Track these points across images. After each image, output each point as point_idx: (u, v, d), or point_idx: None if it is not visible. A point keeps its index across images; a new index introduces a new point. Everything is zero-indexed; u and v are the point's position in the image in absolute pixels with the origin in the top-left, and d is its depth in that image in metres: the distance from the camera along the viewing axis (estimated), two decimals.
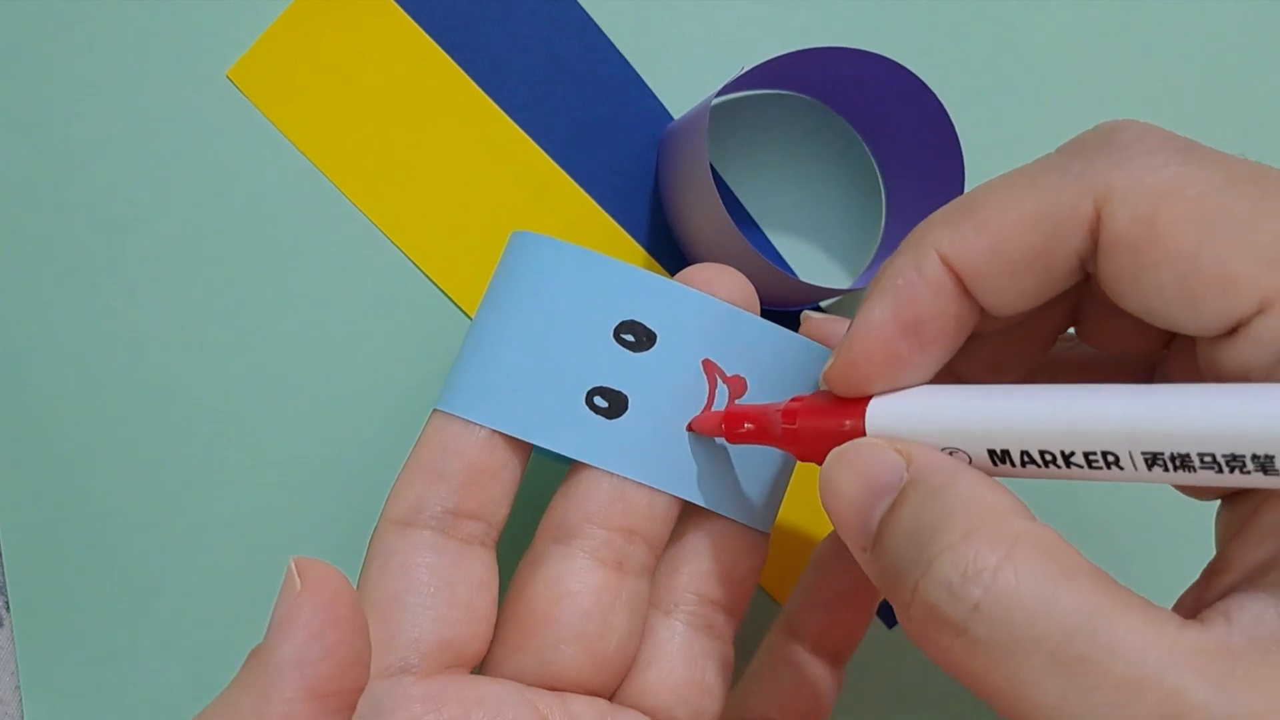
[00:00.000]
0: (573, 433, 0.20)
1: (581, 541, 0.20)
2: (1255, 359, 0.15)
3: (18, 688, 0.26)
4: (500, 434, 0.20)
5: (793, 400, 0.19)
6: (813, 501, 0.29)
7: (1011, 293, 0.17)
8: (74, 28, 0.27)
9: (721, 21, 0.29)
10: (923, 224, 0.18)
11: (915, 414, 0.17)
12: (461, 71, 0.28)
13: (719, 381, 0.21)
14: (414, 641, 0.18)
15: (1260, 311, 0.15)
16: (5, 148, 0.26)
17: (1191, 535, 0.18)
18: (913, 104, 0.27)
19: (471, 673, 0.19)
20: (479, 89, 0.28)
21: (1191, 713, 0.13)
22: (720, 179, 0.29)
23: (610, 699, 0.20)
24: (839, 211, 0.30)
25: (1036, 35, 0.31)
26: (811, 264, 0.29)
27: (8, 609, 0.26)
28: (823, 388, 0.19)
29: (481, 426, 0.20)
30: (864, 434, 0.17)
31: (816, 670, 0.22)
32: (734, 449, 0.21)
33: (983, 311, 0.18)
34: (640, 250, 0.29)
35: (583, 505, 0.20)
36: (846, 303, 0.29)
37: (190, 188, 0.27)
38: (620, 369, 0.20)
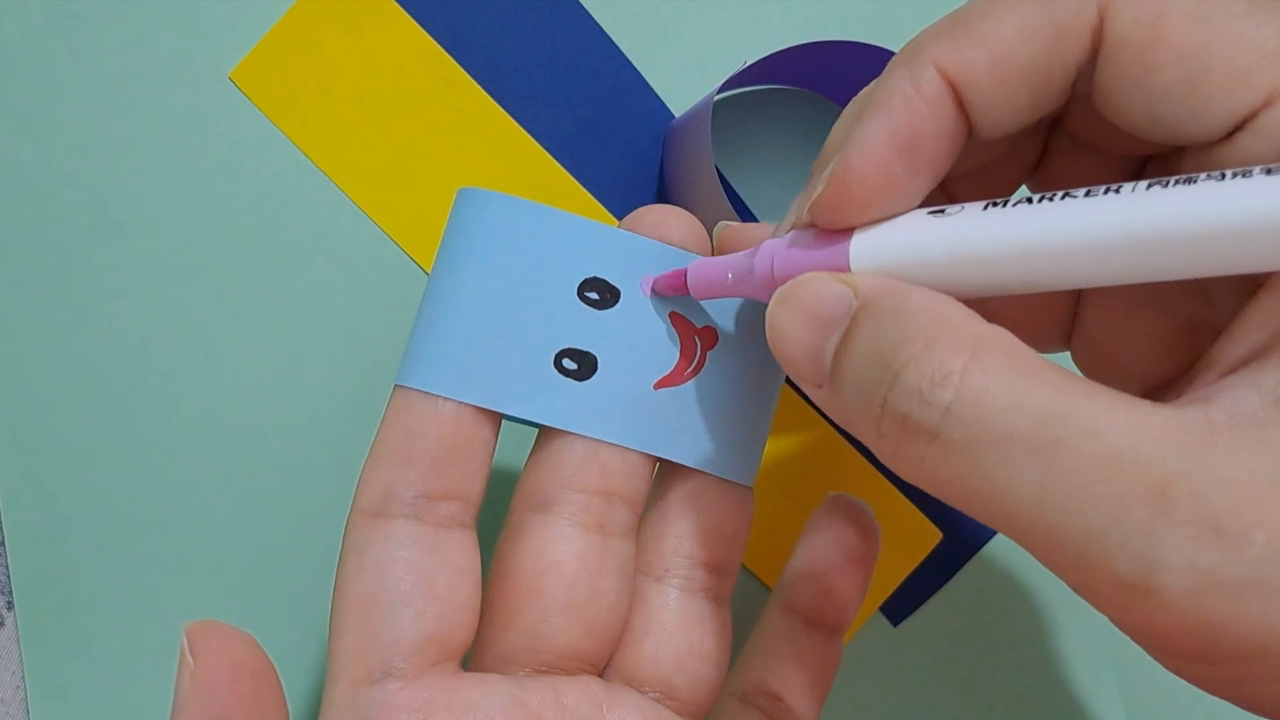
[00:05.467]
0: (544, 399, 0.19)
1: (560, 509, 0.19)
2: (1261, 153, 0.15)
3: (19, 687, 0.25)
4: (468, 405, 0.19)
5: (766, 243, 0.18)
6: (799, 480, 0.28)
7: (1008, 108, 0.17)
8: (76, 29, 0.27)
9: (723, 19, 0.29)
10: (914, 41, 0.17)
11: (907, 244, 0.16)
12: (464, 72, 0.28)
13: (694, 336, 0.20)
14: (394, 642, 0.18)
15: (1268, 104, 0.15)
16: (7, 148, 0.26)
17: None
18: None
19: (464, 657, 0.19)
20: (482, 90, 0.28)
21: (1171, 481, 0.13)
22: (722, 175, 0.29)
23: (605, 670, 0.20)
24: None
25: None
26: None
27: (9, 608, 0.26)
28: (799, 223, 0.18)
29: (447, 400, 0.19)
30: (849, 270, 0.17)
31: (815, 642, 0.22)
32: (709, 400, 0.20)
33: (968, 135, 0.17)
34: None
35: (557, 471, 0.19)
36: None
37: (192, 189, 0.27)
38: (587, 329, 0.19)
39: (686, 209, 0.27)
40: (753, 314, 0.20)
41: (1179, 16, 0.15)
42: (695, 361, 0.20)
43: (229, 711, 0.15)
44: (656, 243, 0.20)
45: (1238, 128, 0.15)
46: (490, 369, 0.19)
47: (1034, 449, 0.14)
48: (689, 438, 0.20)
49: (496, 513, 0.20)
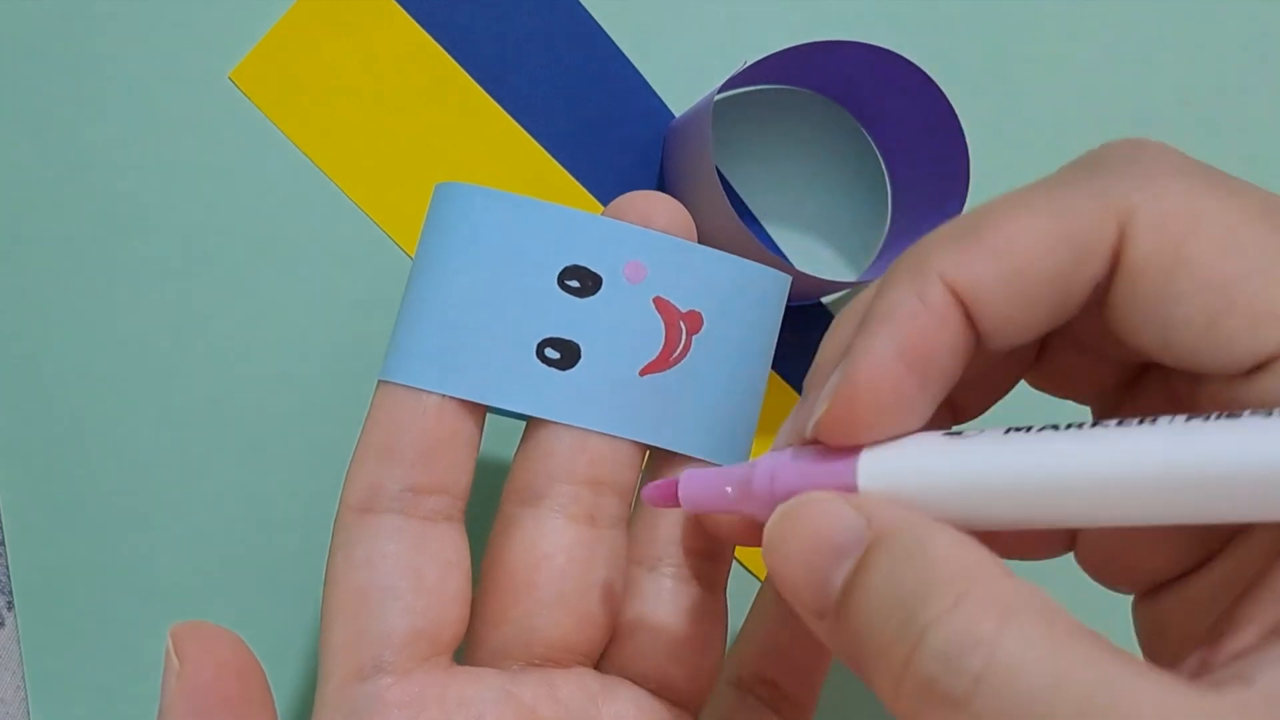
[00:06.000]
0: (528, 389, 0.19)
1: (549, 501, 0.19)
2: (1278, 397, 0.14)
3: (19, 687, 0.25)
4: (452, 399, 0.19)
5: (764, 457, 0.17)
6: None
7: (1020, 323, 0.16)
8: (76, 30, 0.27)
9: (723, 19, 0.29)
10: (921, 246, 0.16)
11: (922, 468, 0.15)
12: (464, 72, 0.28)
13: (678, 320, 0.20)
14: (385, 637, 0.18)
15: None
16: (9, 149, 0.26)
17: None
18: (917, 98, 0.27)
19: (457, 651, 0.19)
20: (482, 90, 0.28)
21: None
22: (722, 175, 0.29)
23: (600, 662, 0.20)
24: (843, 207, 0.30)
25: (1042, 29, 0.31)
26: (816, 259, 0.29)
27: (9, 608, 0.26)
28: (795, 441, 0.17)
29: (430, 393, 0.19)
30: (856, 491, 0.16)
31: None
32: (696, 385, 0.20)
33: (977, 346, 0.16)
34: None
35: (546, 463, 0.19)
36: (851, 299, 0.29)
37: (193, 189, 0.27)
38: (569, 317, 0.19)
39: (685, 206, 0.28)
40: (738, 297, 0.20)
41: (1206, 245, 0.14)
42: (680, 346, 0.20)
43: (215, 712, 0.15)
44: (636, 227, 0.20)
45: (1258, 367, 0.14)
46: (473, 361, 0.19)
47: None
48: (677, 423, 0.20)
49: (488, 508, 0.20)
